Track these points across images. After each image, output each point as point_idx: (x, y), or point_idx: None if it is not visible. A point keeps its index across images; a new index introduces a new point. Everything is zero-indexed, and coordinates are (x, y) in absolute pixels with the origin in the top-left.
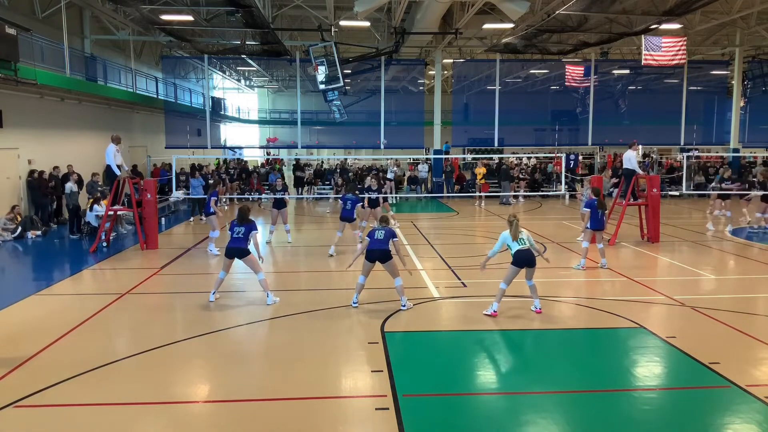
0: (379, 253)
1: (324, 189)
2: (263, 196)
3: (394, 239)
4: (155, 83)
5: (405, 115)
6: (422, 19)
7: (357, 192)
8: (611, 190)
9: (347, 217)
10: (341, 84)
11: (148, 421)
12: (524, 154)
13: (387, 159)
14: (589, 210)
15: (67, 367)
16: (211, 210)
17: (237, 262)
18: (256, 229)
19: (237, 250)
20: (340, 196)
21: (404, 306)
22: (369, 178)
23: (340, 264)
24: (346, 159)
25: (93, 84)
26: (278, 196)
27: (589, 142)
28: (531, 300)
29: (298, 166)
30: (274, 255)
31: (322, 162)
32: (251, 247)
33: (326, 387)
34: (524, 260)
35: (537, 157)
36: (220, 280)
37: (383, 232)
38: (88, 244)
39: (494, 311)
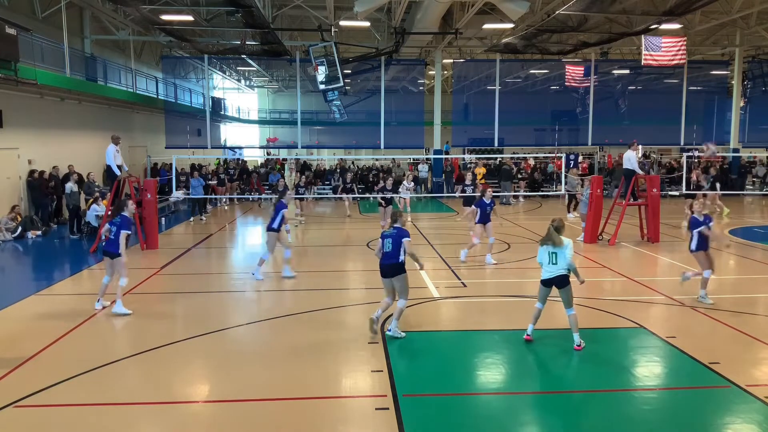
0: (388, 268)
1: (324, 189)
2: (263, 196)
3: (405, 239)
4: (155, 83)
5: (405, 115)
6: (422, 19)
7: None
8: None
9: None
10: (341, 84)
11: (148, 421)
12: (525, 154)
13: (389, 159)
14: (689, 230)
15: (67, 367)
16: (275, 225)
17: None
18: (126, 229)
19: (109, 253)
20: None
21: (391, 331)
22: (384, 178)
23: (342, 265)
24: (351, 160)
25: (93, 84)
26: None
27: (589, 142)
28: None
29: (305, 166)
30: (275, 255)
31: (352, 163)
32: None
33: (326, 387)
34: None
35: (537, 158)
36: (104, 285)
37: (390, 240)
38: (88, 244)
39: (527, 334)
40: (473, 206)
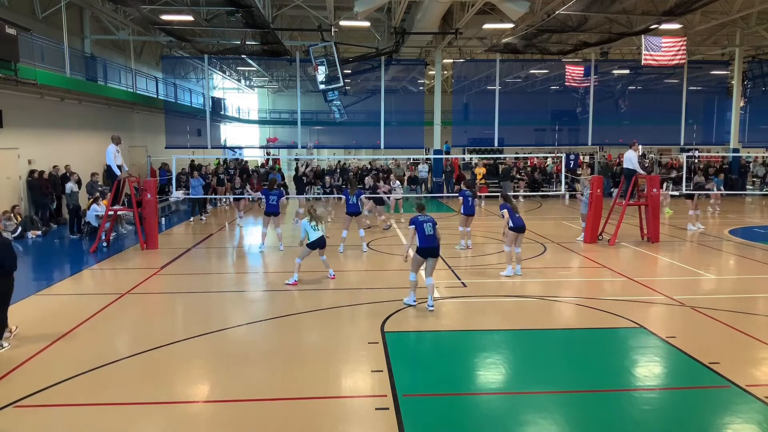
0: (437, 250)
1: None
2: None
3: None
4: (155, 83)
5: (405, 115)
6: (422, 19)
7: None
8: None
9: (353, 212)
10: (341, 84)
11: (148, 421)
12: (525, 154)
13: (389, 159)
14: None
15: (67, 367)
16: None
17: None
18: (282, 196)
19: (271, 213)
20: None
21: (432, 307)
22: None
23: (343, 263)
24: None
25: (93, 84)
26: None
27: (589, 142)
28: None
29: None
30: (274, 254)
31: (367, 166)
32: None
33: (326, 387)
34: (321, 244)
35: (538, 157)
36: (263, 233)
37: (431, 224)
38: (88, 244)
39: (295, 281)
40: None
